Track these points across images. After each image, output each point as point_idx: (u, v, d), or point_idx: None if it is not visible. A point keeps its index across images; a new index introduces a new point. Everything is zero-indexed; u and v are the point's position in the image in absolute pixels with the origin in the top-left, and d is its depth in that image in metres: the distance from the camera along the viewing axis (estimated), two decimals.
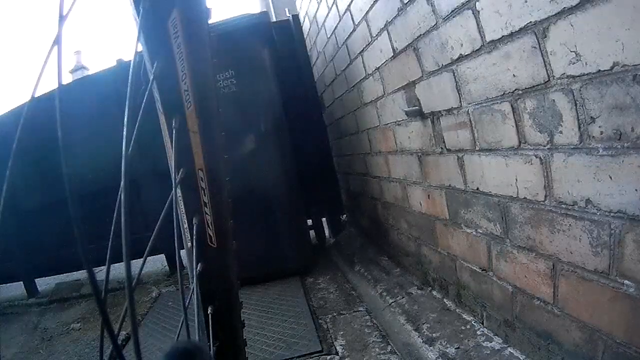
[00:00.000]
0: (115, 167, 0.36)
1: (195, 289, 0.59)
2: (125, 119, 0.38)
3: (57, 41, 0.30)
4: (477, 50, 1.10)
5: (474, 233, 1.34)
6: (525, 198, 1.05)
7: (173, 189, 0.53)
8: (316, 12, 2.70)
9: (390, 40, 1.62)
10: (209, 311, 0.62)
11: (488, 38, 1.04)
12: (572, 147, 0.86)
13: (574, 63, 0.80)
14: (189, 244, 0.60)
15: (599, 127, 0.78)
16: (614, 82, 0.72)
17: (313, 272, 2.57)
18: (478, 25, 1.06)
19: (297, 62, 3.09)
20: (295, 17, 3.13)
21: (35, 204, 2.95)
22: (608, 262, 0.82)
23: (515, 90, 0.99)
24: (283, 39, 2.95)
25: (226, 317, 0.66)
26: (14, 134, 0.35)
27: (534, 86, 0.93)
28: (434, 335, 1.44)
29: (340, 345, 1.63)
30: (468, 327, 1.41)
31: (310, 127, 3.11)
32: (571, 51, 0.79)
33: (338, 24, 2.26)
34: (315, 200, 3.11)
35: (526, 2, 0.88)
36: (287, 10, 4.45)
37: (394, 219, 2.13)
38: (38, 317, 2.74)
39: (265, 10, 4.15)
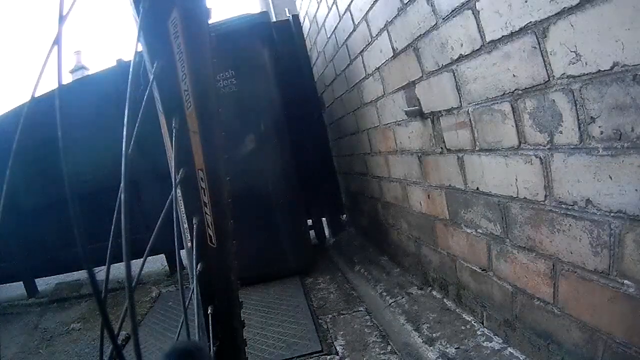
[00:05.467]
0: (115, 167, 0.36)
1: (195, 289, 0.59)
2: (125, 119, 0.38)
3: (57, 41, 0.30)
4: (477, 50, 1.10)
5: (474, 233, 1.34)
6: (525, 198, 1.05)
7: (173, 189, 0.53)
8: (316, 12, 2.70)
9: (390, 40, 1.62)
10: (209, 311, 0.62)
11: (488, 38, 1.04)
12: (572, 147, 0.86)
13: (574, 63, 0.80)
14: (189, 244, 0.60)
15: (599, 127, 0.78)
16: (614, 82, 0.72)
17: (313, 272, 2.56)
18: (478, 25, 1.06)
19: (297, 62, 3.09)
20: (295, 17, 3.12)
21: (35, 204, 2.95)
22: (608, 262, 0.82)
23: (515, 90, 0.99)
24: (283, 39, 2.95)
25: (226, 317, 0.66)
26: (14, 134, 0.35)
27: (534, 86, 0.93)
28: (434, 335, 1.44)
29: (340, 345, 1.63)
30: (468, 327, 1.41)
31: (310, 127, 3.10)
32: (571, 51, 0.79)
33: (338, 24, 2.26)
34: (315, 200, 3.11)
35: (526, 2, 0.88)
36: (287, 10, 4.45)
37: (394, 219, 2.13)
38: (38, 317, 2.73)
39: (265, 10, 4.15)
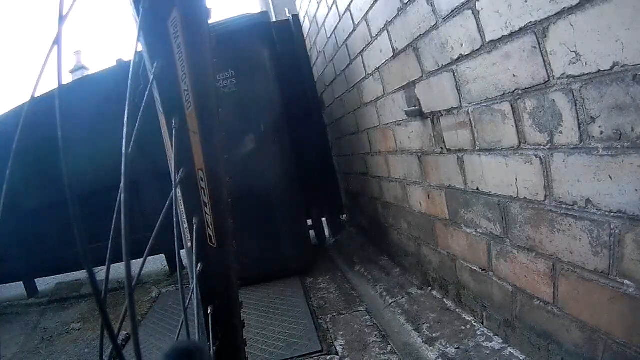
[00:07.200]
0: (115, 167, 0.36)
1: (195, 289, 0.59)
2: (125, 119, 0.38)
3: (57, 41, 0.30)
4: (477, 50, 1.10)
5: (474, 233, 1.34)
6: (525, 198, 1.05)
7: (173, 189, 0.53)
8: (316, 12, 2.70)
9: (390, 40, 1.62)
10: (209, 311, 0.62)
11: (488, 38, 1.04)
12: (572, 147, 0.86)
13: (574, 63, 0.80)
14: (189, 244, 0.60)
15: (599, 127, 0.78)
16: (614, 82, 0.72)
17: (313, 272, 2.56)
18: (478, 25, 1.06)
19: (297, 62, 3.09)
20: (295, 17, 3.12)
21: (35, 204, 2.95)
22: (608, 262, 0.82)
23: (515, 90, 0.99)
24: (283, 39, 2.95)
25: (226, 317, 0.66)
26: (14, 134, 0.35)
27: (534, 86, 0.93)
28: (434, 335, 1.44)
29: (340, 345, 1.63)
30: (468, 327, 1.41)
31: (310, 127, 3.10)
32: (571, 51, 0.79)
33: (338, 24, 2.26)
34: (315, 200, 3.11)
35: (526, 2, 0.88)
36: (287, 10, 4.45)
37: (394, 219, 2.13)
38: (38, 317, 2.73)
39: (265, 10, 4.15)
